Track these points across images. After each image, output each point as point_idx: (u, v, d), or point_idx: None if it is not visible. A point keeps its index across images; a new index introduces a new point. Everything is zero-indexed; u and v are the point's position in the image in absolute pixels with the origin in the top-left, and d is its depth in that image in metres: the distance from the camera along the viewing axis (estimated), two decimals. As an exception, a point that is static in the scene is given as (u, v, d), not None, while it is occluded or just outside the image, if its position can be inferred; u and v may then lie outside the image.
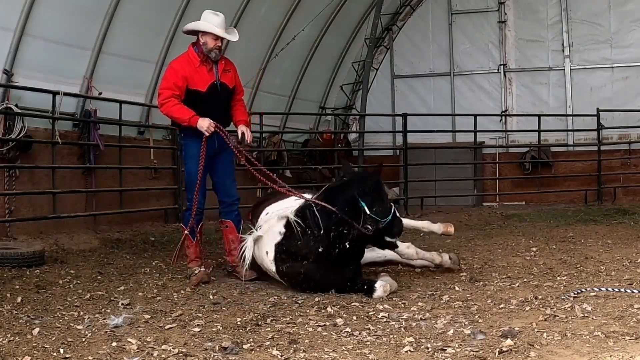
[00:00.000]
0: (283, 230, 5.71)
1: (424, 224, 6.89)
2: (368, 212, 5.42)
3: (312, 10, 13.51)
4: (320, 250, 5.52)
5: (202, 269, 6.09)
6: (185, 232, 6.23)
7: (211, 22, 6.06)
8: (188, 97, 6.05)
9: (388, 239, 5.68)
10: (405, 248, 6.12)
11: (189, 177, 6.19)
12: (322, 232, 5.51)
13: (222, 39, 6.09)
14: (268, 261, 5.78)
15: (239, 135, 6.22)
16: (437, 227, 6.69)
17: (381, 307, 4.95)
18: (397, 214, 5.69)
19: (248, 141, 6.25)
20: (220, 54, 6.17)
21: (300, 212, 5.67)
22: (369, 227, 5.42)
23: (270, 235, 5.78)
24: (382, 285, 5.41)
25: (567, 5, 14.99)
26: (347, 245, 5.53)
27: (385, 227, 5.51)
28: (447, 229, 6.66)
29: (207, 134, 5.96)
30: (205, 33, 6.04)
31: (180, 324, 4.46)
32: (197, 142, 6.06)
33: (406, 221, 6.47)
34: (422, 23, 16.19)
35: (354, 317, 4.65)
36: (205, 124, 5.93)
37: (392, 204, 5.68)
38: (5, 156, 8.56)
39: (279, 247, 5.69)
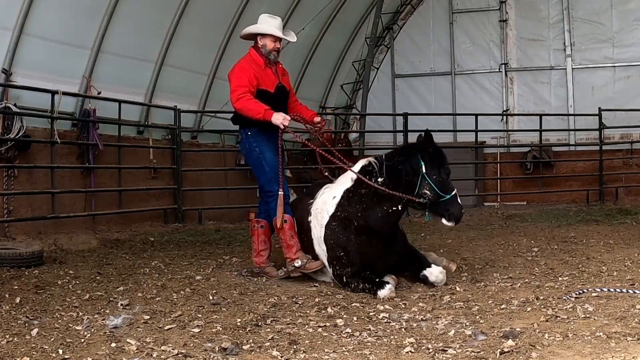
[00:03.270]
0: (338, 197, 5.86)
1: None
2: (427, 180, 5.54)
3: (312, 9, 13.49)
4: (367, 214, 5.62)
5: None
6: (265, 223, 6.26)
7: (269, 24, 6.18)
8: (257, 96, 6.09)
9: (444, 221, 5.64)
10: (439, 272, 5.76)
11: (272, 168, 6.11)
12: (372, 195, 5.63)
13: (280, 40, 6.20)
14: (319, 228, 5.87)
15: (318, 121, 6.39)
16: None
17: (382, 307, 4.93)
18: (459, 200, 5.65)
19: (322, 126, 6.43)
20: (278, 56, 6.27)
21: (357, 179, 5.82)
22: (427, 193, 5.57)
23: (326, 204, 5.94)
24: (390, 289, 5.36)
25: (568, 4, 14.98)
26: (399, 212, 5.67)
27: (441, 205, 5.57)
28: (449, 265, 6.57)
29: (282, 127, 5.95)
30: (264, 35, 6.15)
31: (180, 325, 4.43)
32: (268, 138, 6.12)
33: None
34: (423, 22, 16.17)
35: (355, 318, 4.63)
36: (279, 118, 5.93)
37: (452, 185, 5.67)
38: (3, 156, 8.56)
39: (333, 214, 5.81)
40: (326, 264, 5.88)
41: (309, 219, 6.06)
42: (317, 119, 6.41)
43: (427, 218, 5.83)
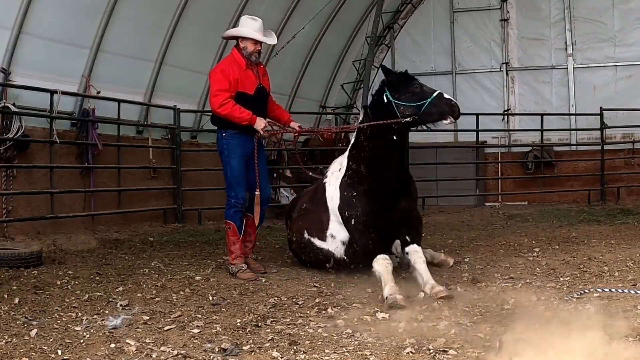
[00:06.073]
0: (345, 160, 6.28)
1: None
2: (397, 102, 5.73)
3: (312, 8, 13.46)
4: (368, 160, 5.96)
5: (247, 267, 6.36)
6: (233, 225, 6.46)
7: (249, 27, 6.34)
8: (237, 99, 6.27)
9: (443, 122, 5.72)
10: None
11: (233, 175, 6.37)
12: (369, 144, 5.97)
13: (261, 43, 6.37)
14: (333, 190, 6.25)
15: (297, 128, 6.67)
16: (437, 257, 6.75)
17: (382, 308, 4.89)
18: (445, 95, 5.65)
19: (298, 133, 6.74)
20: (259, 57, 6.47)
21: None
22: (408, 114, 5.70)
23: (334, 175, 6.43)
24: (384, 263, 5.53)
25: (570, 3, 14.95)
26: (395, 146, 5.89)
27: (429, 112, 5.65)
28: (447, 260, 6.70)
29: (262, 133, 6.30)
30: (244, 38, 6.32)
31: (180, 325, 4.42)
32: (240, 142, 6.33)
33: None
34: (423, 21, 16.15)
35: (355, 319, 4.60)
36: (262, 124, 6.25)
37: (433, 89, 5.74)
38: (2, 156, 8.53)
39: (343, 179, 6.20)
40: (338, 215, 6.14)
41: (325, 187, 6.42)
42: (294, 125, 6.65)
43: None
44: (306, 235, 6.57)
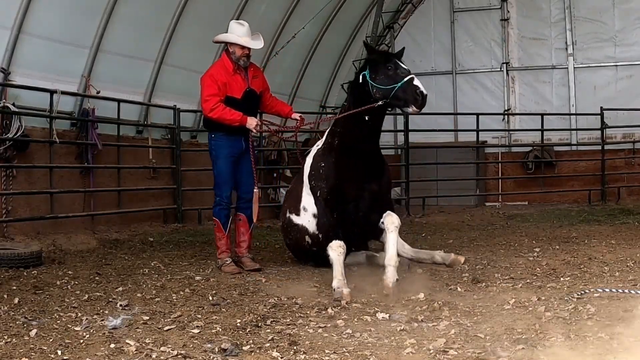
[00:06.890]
0: (323, 140, 6.43)
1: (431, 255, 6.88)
2: (372, 83, 5.74)
3: (312, 8, 13.45)
4: (340, 140, 6.03)
5: (232, 261, 6.62)
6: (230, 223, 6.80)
7: (236, 32, 6.52)
8: (225, 103, 6.48)
9: (407, 109, 5.69)
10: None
11: (219, 175, 6.69)
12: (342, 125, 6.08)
13: (249, 47, 6.52)
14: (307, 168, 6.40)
15: (299, 118, 6.85)
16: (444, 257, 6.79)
17: (382, 308, 4.88)
18: (415, 81, 5.55)
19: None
20: (248, 61, 6.62)
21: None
22: (379, 97, 5.70)
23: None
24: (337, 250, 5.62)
25: (570, 3, 14.94)
26: (369, 126, 5.93)
27: (398, 96, 5.61)
28: (458, 258, 6.77)
29: (254, 131, 6.58)
30: (232, 43, 6.51)
31: (180, 325, 4.41)
32: (228, 143, 6.61)
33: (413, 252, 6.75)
34: (423, 21, 16.14)
35: (355, 319, 4.60)
36: (253, 123, 6.47)
37: (407, 72, 5.68)
38: (2, 156, 8.53)
39: (315, 154, 6.39)
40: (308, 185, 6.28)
41: (305, 160, 6.57)
42: (296, 115, 6.86)
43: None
44: (287, 214, 6.69)
